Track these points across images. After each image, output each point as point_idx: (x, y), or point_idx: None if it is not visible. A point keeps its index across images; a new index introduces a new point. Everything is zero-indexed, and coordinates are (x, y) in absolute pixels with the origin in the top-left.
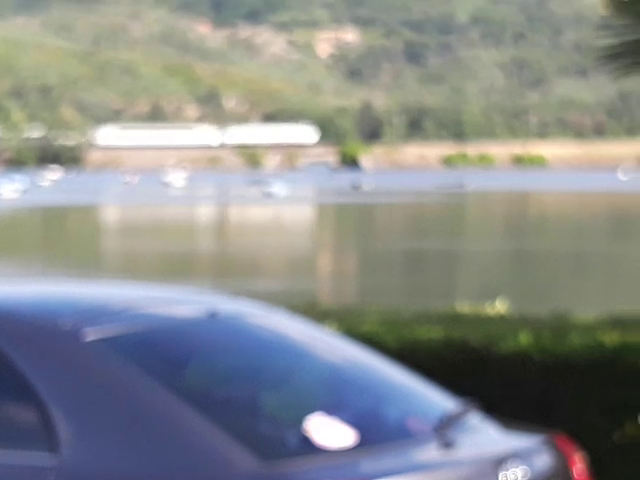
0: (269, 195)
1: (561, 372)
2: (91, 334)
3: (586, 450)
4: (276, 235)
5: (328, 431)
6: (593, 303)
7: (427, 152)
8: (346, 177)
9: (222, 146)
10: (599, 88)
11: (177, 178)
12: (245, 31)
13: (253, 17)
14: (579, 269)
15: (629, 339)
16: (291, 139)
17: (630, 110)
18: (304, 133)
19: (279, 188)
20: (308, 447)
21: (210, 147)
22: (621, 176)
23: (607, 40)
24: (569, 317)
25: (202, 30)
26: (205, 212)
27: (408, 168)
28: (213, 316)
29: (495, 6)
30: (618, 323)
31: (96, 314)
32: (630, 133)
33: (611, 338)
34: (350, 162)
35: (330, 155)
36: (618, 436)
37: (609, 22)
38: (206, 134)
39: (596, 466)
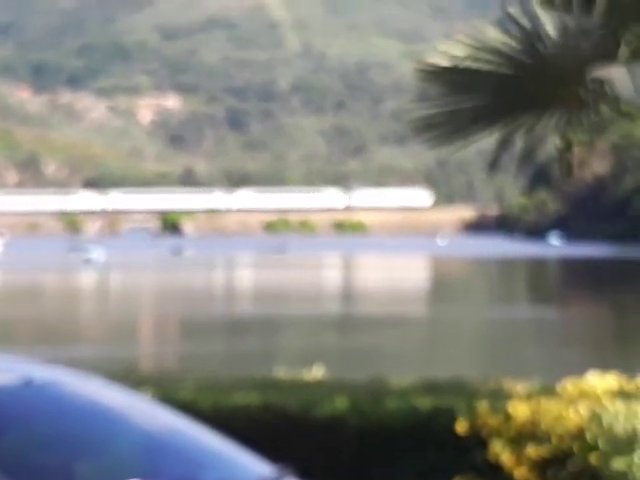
0: (88, 261)
1: (377, 436)
2: None
3: None
4: (93, 301)
5: None
6: (409, 368)
7: (249, 218)
8: (167, 243)
9: (41, 212)
10: (417, 156)
11: None
12: (65, 97)
13: (74, 83)
14: (393, 333)
15: (442, 403)
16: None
17: (448, 177)
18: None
19: (98, 254)
20: None
21: (29, 213)
22: (439, 241)
23: (424, 110)
24: (385, 382)
25: (22, 95)
26: (20, 278)
27: (230, 234)
28: (28, 384)
29: (316, 74)
30: (432, 388)
31: None
32: (448, 200)
33: (425, 402)
34: (172, 228)
35: (151, 221)
36: None
37: (425, 92)
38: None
39: None
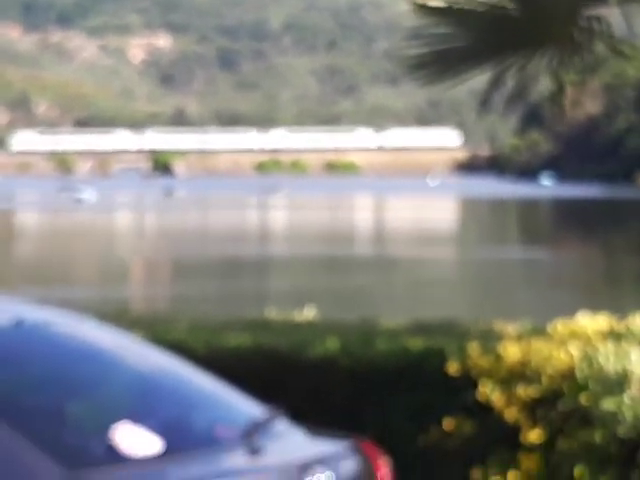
0: (79, 201)
1: (368, 377)
2: None
3: (391, 454)
4: (84, 242)
5: (134, 439)
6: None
7: (240, 158)
8: (158, 184)
9: (34, 152)
10: (409, 96)
11: None
12: (56, 35)
13: (64, 22)
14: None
15: (433, 344)
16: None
17: (440, 117)
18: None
19: (89, 194)
20: (114, 456)
21: (21, 153)
22: (430, 182)
23: (416, 49)
24: (376, 323)
25: (12, 34)
26: (10, 217)
27: (221, 174)
28: (19, 324)
29: (308, 13)
30: (423, 329)
31: None
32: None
33: (416, 343)
34: (163, 169)
35: (142, 161)
36: (422, 440)
37: (418, 31)
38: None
39: (400, 469)
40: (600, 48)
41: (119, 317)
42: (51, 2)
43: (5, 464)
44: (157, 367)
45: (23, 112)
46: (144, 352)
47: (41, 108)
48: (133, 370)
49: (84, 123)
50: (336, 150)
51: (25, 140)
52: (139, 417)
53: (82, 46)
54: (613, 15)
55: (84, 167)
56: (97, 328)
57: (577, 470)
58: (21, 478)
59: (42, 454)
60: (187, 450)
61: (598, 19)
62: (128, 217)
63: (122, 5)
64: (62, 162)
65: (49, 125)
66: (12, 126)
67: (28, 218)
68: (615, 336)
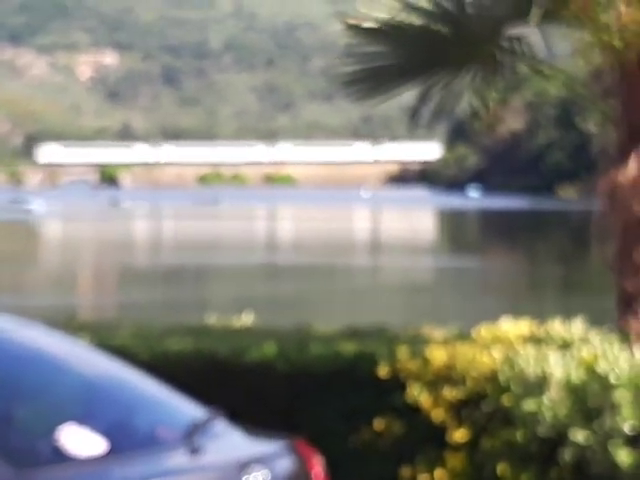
0: (28, 212)
1: (303, 381)
2: None
3: (325, 453)
4: (31, 251)
5: (79, 440)
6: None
7: (183, 171)
8: (105, 195)
9: None
10: (344, 112)
11: None
12: (7, 53)
13: (15, 39)
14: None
15: (364, 349)
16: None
17: (372, 132)
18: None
19: (38, 205)
20: (60, 456)
21: None
22: (363, 194)
23: (349, 67)
24: (310, 329)
25: None
26: None
27: (166, 186)
28: None
29: (247, 33)
30: (355, 334)
31: None
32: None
33: (348, 348)
34: (109, 181)
35: (90, 174)
36: (354, 440)
37: (351, 50)
38: None
39: (333, 468)
40: (522, 68)
41: (67, 323)
42: (3, 21)
43: None
44: (102, 371)
45: None
46: (90, 357)
47: None
48: (79, 374)
49: (34, 137)
50: (274, 163)
51: None
52: (84, 419)
53: (32, 63)
54: (534, 36)
55: (34, 179)
56: (44, 334)
57: (500, 468)
58: None
59: None
60: (130, 450)
61: (519, 40)
62: (74, 226)
63: (70, 24)
64: (13, 174)
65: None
66: None
67: None
68: (535, 340)
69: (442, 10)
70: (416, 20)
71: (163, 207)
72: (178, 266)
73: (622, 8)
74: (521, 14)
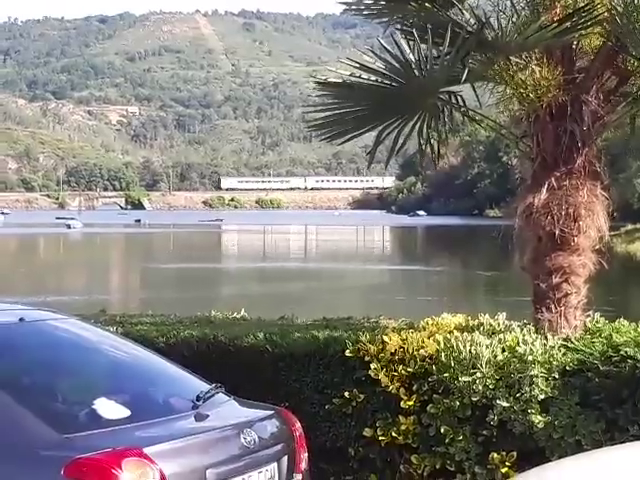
0: (69, 227)
1: (286, 360)
2: None
3: (304, 418)
4: (71, 258)
5: (110, 409)
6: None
7: (193, 196)
8: (131, 215)
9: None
10: (319, 150)
11: None
12: (52, 104)
13: (59, 93)
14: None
15: (335, 335)
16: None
17: (341, 166)
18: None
19: (76, 223)
20: (94, 422)
21: (23, 192)
22: (335, 213)
23: (321, 115)
24: (293, 320)
25: (19, 103)
26: (17, 239)
27: (179, 209)
28: (22, 321)
29: (242, 88)
30: (328, 324)
31: None
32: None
33: (322, 334)
34: (136, 204)
35: (120, 198)
36: (329, 407)
37: (322, 102)
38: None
39: (311, 430)
40: (458, 115)
41: (98, 316)
42: (49, 79)
43: (13, 429)
44: (127, 354)
45: (27, 162)
46: (117, 343)
47: (41, 158)
48: (108, 356)
49: (75, 170)
50: (265, 190)
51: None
52: (112, 392)
53: (72, 112)
54: (466, 90)
55: (75, 202)
56: (80, 324)
57: (442, 428)
58: (26, 439)
59: (41, 422)
60: (150, 416)
61: (455, 94)
62: (104, 237)
63: (103, 81)
64: (57, 199)
65: (48, 171)
66: (18, 173)
67: (40, 236)
68: (469, 329)
69: (393, 71)
70: (373, 78)
71: (174, 223)
72: (195, 268)
73: (535, 68)
74: (456, 74)
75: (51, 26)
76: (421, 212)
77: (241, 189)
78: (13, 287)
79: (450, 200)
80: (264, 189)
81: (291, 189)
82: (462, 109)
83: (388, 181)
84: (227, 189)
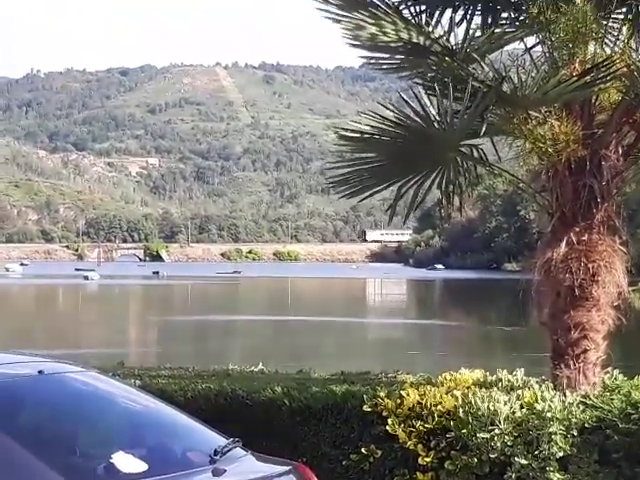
0: (86, 279)
1: (304, 415)
2: None
3: (321, 474)
4: (87, 309)
5: (128, 463)
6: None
7: (211, 248)
8: (149, 267)
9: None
10: (336, 203)
11: (16, 267)
12: (73, 155)
13: (79, 145)
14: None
15: (353, 390)
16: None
17: (359, 219)
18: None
19: (94, 275)
20: (111, 475)
21: (43, 243)
22: (353, 266)
23: (340, 169)
24: (310, 374)
25: (41, 154)
26: (34, 291)
27: (197, 260)
28: (40, 373)
29: (261, 140)
30: (345, 378)
31: None
32: (360, 236)
33: (340, 389)
34: (154, 256)
35: (139, 250)
36: (346, 462)
37: (342, 155)
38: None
39: None
40: (477, 169)
41: (116, 368)
42: (70, 130)
43: None
44: (145, 407)
45: (47, 213)
46: (136, 396)
47: (61, 209)
48: (127, 409)
49: (94, 221)
50: (283, 242)
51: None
52: (132, 445)
53: (93, 163)
54: (486, 144)
55: (93, 254)
56: (99, 377)
57: None
58: None
59: (57, 475)
60: (167, 470)
61: (475, 148)
62: (121, 290)
63: (123, 133)
64: (76, 251)
65: (67, 223)
66: (39, 224)
67: (58, 287)
68: (487, 385)
69: (414, 124)
70: (392, 132)
71: (192, 275)
72: (196, 320)
73: (554, 123)
74: (475, 128)
75: (73, 78)
76: (439, 265)
77: (257, 241)
78: (31, 339)
79: (467, 253)
80: (281, 241)
81: (308, 242)
82: (482, 163)
83: (406, 235)
84: (241, 241)
